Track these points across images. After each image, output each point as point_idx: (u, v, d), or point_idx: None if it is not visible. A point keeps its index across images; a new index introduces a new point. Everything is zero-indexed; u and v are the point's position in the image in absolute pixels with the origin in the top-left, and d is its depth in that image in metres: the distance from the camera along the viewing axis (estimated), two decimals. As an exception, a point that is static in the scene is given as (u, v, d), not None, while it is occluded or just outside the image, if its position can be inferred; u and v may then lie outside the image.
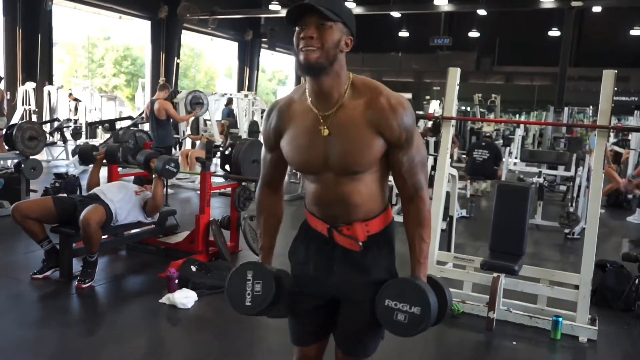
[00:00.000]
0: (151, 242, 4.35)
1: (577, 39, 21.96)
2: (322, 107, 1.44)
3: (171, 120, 7.13)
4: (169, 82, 16.98)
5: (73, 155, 8.69)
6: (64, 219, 3.61)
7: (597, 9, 19.64)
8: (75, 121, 12.15)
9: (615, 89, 3.15)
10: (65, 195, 4.96)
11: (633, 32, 21.26)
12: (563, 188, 8.45)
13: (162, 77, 17.10)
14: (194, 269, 3.62)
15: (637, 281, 3.58)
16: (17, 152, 5.49)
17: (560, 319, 3.07)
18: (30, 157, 5.58)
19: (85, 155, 4.34)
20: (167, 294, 3.35)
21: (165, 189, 5.30)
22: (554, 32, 21.04)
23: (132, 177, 4.78)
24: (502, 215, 3.41)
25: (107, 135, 9.79)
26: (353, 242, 1.52)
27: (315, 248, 1.59)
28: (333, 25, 1.37)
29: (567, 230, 5.76)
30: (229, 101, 12.12)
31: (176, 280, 3.42)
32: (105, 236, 3.88)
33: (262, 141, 1.64)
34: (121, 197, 3.79)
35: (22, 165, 5.43)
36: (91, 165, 4.28)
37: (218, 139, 8.03)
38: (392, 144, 1.44)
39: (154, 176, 3.93)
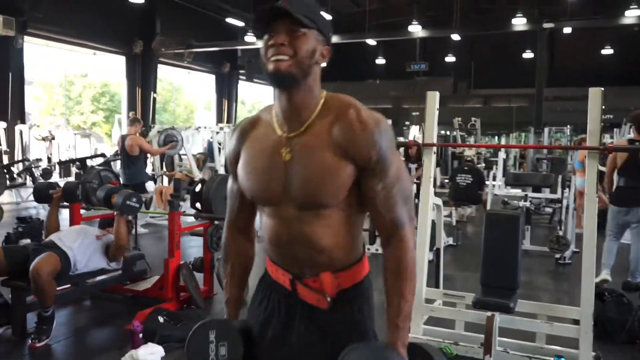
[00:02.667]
0: (117, 290, 4.03)
1: (550, 59, 22.31)
2: (289, 127, 1.23)
3: (145, 155, 6.90)
4: (146, 117, 16.79)
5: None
6: (16, 270, 3.29)
7: (567, 30, 19.98)
8: (49, 160, 11.79)
9: (603, 107, 2.98)
10: (24, 241, 4.62)
11: (604, 51, 21.67)
12: (549, 210, 8.29)
13: (138, 111, 16.85)
14: (161, 319, 3.31)
15: (639, 312, 3.35)
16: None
17: (563, 359, 2.81)
18: (-10, 201, 5.24)
19: (40, 193, 4.03)
20: (130, 350, 3.02)
21: (134, 229, 5.03)
22: (528, 54, 21.36)
23: (97, 220, 4.47)
24: (492, 246, 3.16)
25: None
26: (320, 298, 1.25)
27: (274, 306, 1.31)
28: (307, 32, 1.18)
29: (557, 255, 5.56)
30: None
31: (140, 334, 3.10)
32: (67, 286, 3.58)
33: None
34: (80, 243, 3.49)
35: (-19, 211, 5.09)
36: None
37: (197, 174, 7.78)
38: (363, 168, 1.19)
39: (115, 213, 3.65)
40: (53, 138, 13.42)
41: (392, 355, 1.18)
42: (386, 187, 1.21)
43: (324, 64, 1.24)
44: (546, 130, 15.00)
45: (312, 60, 1.19)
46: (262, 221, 1.32)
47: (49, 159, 12.11)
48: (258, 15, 1.18)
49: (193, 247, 5.75)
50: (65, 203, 4.09)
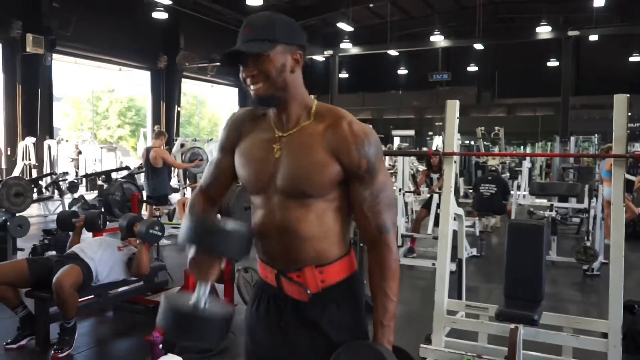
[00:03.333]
0: (139, 301, 4.05)
1: (576, 67, 21.96)
2: (281, 126, 1.34)
3: (169, 168, 7.01)
4: (170, 131, 17.04)
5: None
6: (40, 281, 3.33)
7: (594, 37, 19.68)
8: (76, 173, 12.04)
9: (629, 114, 2.90)
10: (50, 253, 4.70)
11: (632, 59, 21.23)
12: (576, 220, 8.11)
13: (162, 125, 17.12)
14: (181, 330, 3.30)
15: (671, 324, 3.23)
16: (3, 209, 5.27)
17: (590, 374, 2.72)
18: (17, 214, 5.35)
19: (64, 222, 4.10)
20: (150, 361, 3.03)
21: (157, 244, 5.06)
22: (553, 62, 21.06)
23: (119, 232, 4.52)
24: (515, 257, 3.09)
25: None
26: (301, 290, 1.28)
27: (265, 306, 1.36)
28: (269, 53, 1.26)
29: (585, 267, 5.41)
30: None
31: (160, 345, 3.10)
32: (90, 297, 3.62)
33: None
34: (102, 254, 3.52)
35: (8, 223, 5.20)
36: None
37: None
38: (351, 173, 1.28)
39: (138, 242, 3.67)
40: (80, 152, 13.73)
41: (380, 346, 1.22)
42: (373, 194, 1.29)
43: (304, 65, 1.33)
44: (572, 139, 14.71)
45: (284, 74, 1.28)
46: (252, 215, 1.38)
47: (76, 173, 12.39)
48: (223, 62, 1.31)
49: (215, 259, 5.77)
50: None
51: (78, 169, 13.29)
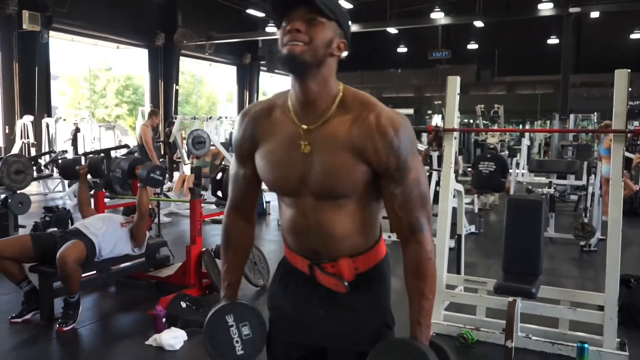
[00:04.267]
0: (141, 277, 4.09)
1: (576, 45, 21.78)
2: (306, 119, 1.22)
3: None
4: (168, 109, 16.97)
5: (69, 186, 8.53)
6: (43, 257, 3.36)
7: (595, 14, 19.47)
8: (75, 152, 12.00)
9: (630, 89, 2.90)
10: (51, 230, 4.72)
11: (633, 36, 21.07)
12: (574, 198, 8.15)
13: (160, 104, 17.03)
14: (184, 305, 3.36)
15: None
16: (4, 186, 5.28)
17: (586, 345, 2.77)
18: (18, 191, 5.36)
19: (67, 170, 4.12)
20: (154, 334, 3.08)
21: (157, 218, 5.09)
22: (553, 40, 20.89)
23: (121, 209, 4.54)
24: (514, 232, 3.12)
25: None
26: (338, 282, 1.26)
27: (296, 289, 1.33)
28: (325, 22, 1.17)
29: (582, 243, 5.46)
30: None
31: (164, 319, 3.15)
32: (93, 272, 3.66)
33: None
34: (105, 230, 3.54)
35: (9, 200, 5.21)
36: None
37: (230, 159, 7.87)
38: (380, 173, 1.20)
39: (139, 185, 3.72)
40: (78, 131, 13.67)
41: (419, 344, 1.20)
42: (404, 191, 1.21)
43: (343, 54, 1.23)
44: (572, 117, 14.68)
45: (327, 50, 1.18)
46: (280, 210, 1.34)
47: (75, 150, 12.35)
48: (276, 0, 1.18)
49: (215, 236, 5.81)
50: (91, 178, 4.16)
51: (76, 147, 13.24)
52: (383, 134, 1.17)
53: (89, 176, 4.16)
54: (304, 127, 1.22)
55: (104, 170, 3.97)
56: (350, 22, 1.25)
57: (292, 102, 1.24)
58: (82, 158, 5.43)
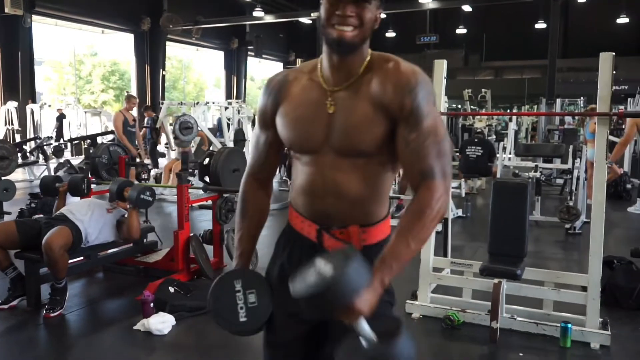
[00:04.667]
0: (129, 262, 4.08)
1: (563, 30, 21.84)
2: (334, 82, 1.27)
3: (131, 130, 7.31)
4: (155, 95, 16.80)
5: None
6: (29, 243, 3.34)
7: (582, -2, 19.53)
8: (61, 138, 11.87)
9: (614, 72, 2.92)
10: (37, 216, 4.69)
11: (620, 21, 21.15)
12: (560, 181, 8.24)
13: (147, 90, 16.85)
14: (172, 290, 3.35)
15: (648, 278, 3.34)
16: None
17: (570, 325, 2.82)
18: (2, 177, 5.31)
19: (47, 187, 4.07)
20: (142, 319, 3.08)
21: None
22: (541, 25, 20.92)
23: (107, 195, 4.51)
24: (499, 215, 3.16)
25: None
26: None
27: (299, 257, 1.30)
28: (373, 2, 1.22)
29: (567, 226, 5.53)
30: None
31: (152, 304, 3.15)
32: (80, 258, 3.64)
33: (256, 123, 1.40)
34: (91, 215, 3.52)
35: (-6, 187, 5.17)
36: None
37: (218, 145, 7.84)
38: (397, 117, 1.20)
39: (128, 206, 3.67)
40: (64, 116, 13.51)
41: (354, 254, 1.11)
42: (418, 138, 1.19)
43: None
44: (558, 101, 14.77)
45: (373, 28, 1.24)
46: (295, 172, 1.34)
47: (60, 137, 12.21)
48: None
49: (203, 221, 5.81)
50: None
51: (62, 134, 13.09)
52: (399, 75, 1.21)
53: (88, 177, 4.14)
54: (330, 88, 1.26)
55: (84, 190, 3.96)
56: None
57: (321, 68, 1.29)
58: (66, 145, 5.37)
